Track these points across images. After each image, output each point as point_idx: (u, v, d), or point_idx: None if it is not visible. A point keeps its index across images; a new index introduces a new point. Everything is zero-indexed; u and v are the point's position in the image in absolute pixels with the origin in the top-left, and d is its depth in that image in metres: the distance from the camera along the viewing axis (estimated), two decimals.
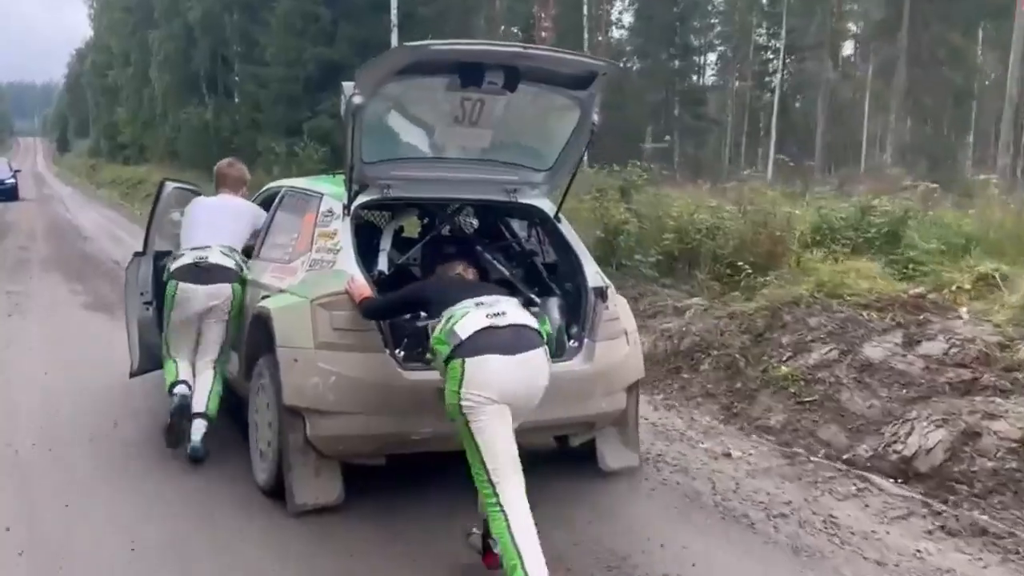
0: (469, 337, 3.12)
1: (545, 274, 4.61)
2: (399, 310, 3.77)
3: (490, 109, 4.01)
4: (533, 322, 3.33)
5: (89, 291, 10.41)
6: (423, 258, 5.06)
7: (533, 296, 4.46)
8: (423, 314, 3.67)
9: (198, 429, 4.55)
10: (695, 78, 46.60)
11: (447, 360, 3.14)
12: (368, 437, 3.78)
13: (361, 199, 4.14)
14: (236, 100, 30.72)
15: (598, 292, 4.24)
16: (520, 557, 2.98)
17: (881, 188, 11.39)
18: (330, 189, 4.34)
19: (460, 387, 3.08)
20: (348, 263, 3.91)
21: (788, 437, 5.11)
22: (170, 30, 33.58)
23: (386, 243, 4.61)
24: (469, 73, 3.76)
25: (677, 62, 42.32)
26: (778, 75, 39.75)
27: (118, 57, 45.09)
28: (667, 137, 35.56)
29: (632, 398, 4.42)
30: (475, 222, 5.43)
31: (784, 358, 5.79)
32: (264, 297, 4.32)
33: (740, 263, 7.73)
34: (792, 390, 5.46)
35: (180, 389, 4.68)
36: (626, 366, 4.30)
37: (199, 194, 5.31)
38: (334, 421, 3.74)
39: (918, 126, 34.97)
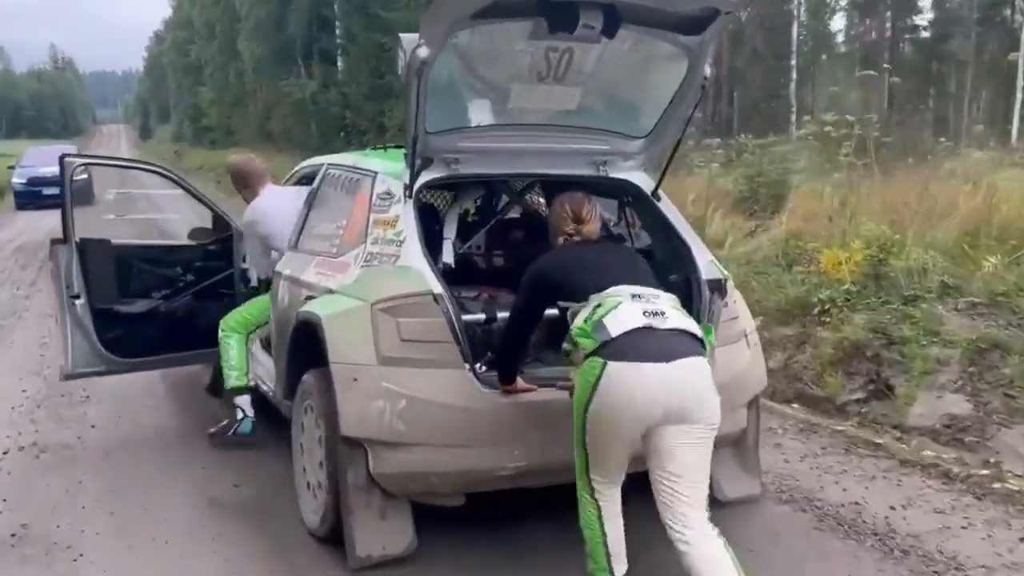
0: (621, 336, 2.54)
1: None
2: (534, 317, 3.01)
3: (580, 62, 3.24)
4: (697, 328, 2.69)
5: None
6: (488, 247, 4.34)
7: None
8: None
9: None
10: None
11: (588, 355, 2.58)
12: (446, 474, 3.05)
13: (424, 177, 3.39)
14: (339, 68, 27.36)
15: (715, 286, 3.47)
16: (607, 551, 2.71)
17: None
18: (385, 166, 3.58)
19: (593, 392, 2.55)
20: (415, 257, 3.16)
21: None
22: None
23: (450, 230, 3.87)
24: (560, 15, 2.99)
25: None
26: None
27: (200, 30, 42.09)
28: None
29: (752, 414, 3.67)
30: (542, 201, 4.69)
31: None
32: (308, 299, 3.59)
33: None
34: None
35: (244, 403, 4.39)
36: (748, 376, 3.55)
37: (115, 166, 5.06)
38: (404, 455, 3.01)
39: None
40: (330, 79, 26.84)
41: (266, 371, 4.46)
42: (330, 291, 3.44)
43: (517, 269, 4.35)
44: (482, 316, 3.44)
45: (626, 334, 2.54)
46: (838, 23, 30.99)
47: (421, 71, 2.96)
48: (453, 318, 3.04)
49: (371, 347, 3.02)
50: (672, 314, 2.64)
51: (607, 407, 2.54)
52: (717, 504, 3.61)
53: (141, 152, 53.21)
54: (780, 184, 9.04)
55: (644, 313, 2.59)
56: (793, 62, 25.65)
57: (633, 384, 2.50)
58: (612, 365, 2.51)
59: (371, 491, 3.08)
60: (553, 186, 4.39)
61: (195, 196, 4.89)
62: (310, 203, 4.17)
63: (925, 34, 27.14)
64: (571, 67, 3.25)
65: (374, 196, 3.47)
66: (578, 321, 2.66)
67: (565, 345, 2.72)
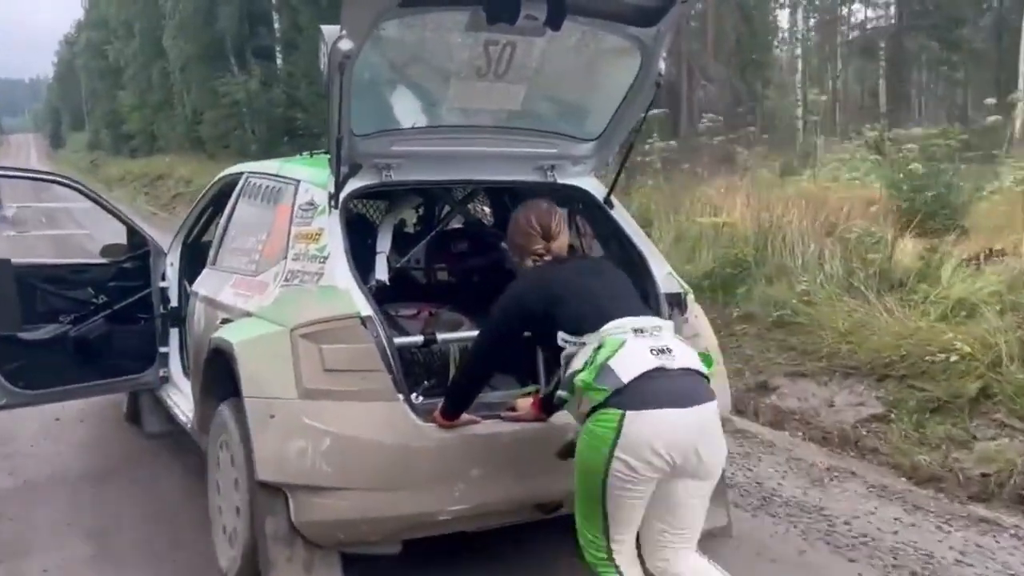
0: (634, 381, 2.21)
1: None
2: (505, 351, 2.66)
3: (522, 57, 2.93)
4: (700, 363, 2.38)
5: None
6: (428, 260, 4.01)
7: None
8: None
9: None
10: None
11: (597, 407, 2.24)
12: (379, 521, 2.69)
13: (352, 185, 3.04)
14: (279, 65, 25.02)
15: (674, 300, 3.19)
16: None
17: None
18: (309, 174, 3.22)
19: (613, 448, 2.19)
20: (340, 275, 2.80)
21: None
22: None
23: (384, 243, 3.52)
24: (499, 4, 2.67)
25: None
26: None
27: (118, 30, 39.16)
28: None
29: None
30: (487, 210, 4.39)
31: None
32: (223, 322, 3.21)
33: None
34: None
35: None
36: None
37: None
38: (330, 501, 2.64)
39: None
40: (271, 77, 24.88)
41: (187, 399, 4.06)
42: (248, 314, 3.07)
43: (460, 283, 4.07)
44: (420, 338, 3.10)
45: (640, 379, 2.22)
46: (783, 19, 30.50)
47: (344, 66, 2.61)
48: (384, 343, 2.69)
49: (290, 378, 2.65)
50: (678, 350, 2.33)
51: (632, 460, 2.19)
52: None
53: (53, 162, 49.35)
54: (949, 191, 7.23)
55: (652, 352, 2.27)
56: (799, 52, 24.21)
57: (658, 431, 2.19)
58: (632, 415, 2.18)
59: (293, 542, 2.71)
60: (497, 193, 4.10)
61: (105, 207, 4.45)
62: (229, 214, 3.79)
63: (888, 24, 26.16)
64: (513, 63, 2.93)
65: (296, 207, 3.11)
66: (576, 365, 2.34)
67: (561, 393, 2.42)
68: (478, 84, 2.99)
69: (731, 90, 15.19)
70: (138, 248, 4.53)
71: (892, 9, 26.72)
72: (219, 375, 3.10)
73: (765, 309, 6.03)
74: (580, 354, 2.36)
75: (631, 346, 2.28)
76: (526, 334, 2.76)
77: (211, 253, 3.84)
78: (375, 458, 2.63)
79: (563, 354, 2.44)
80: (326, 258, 2.85)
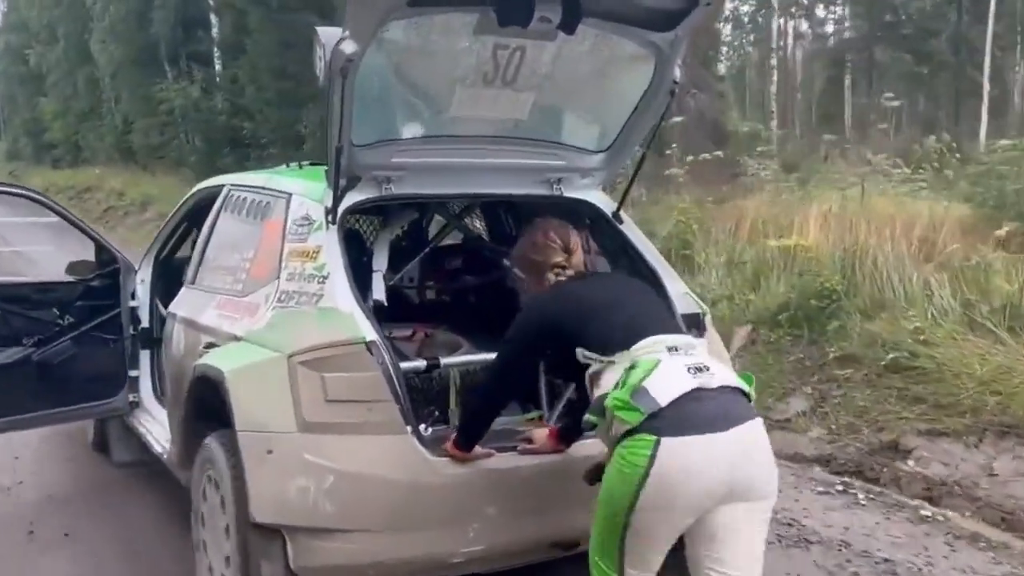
0: (672, 404, 2.03)
1: None
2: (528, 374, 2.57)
3: (532, 63, 2.76)
4: (739, 380, 2.21)
5: None
6: (421, 277, 3.81)
7: None
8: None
9: None
10: None
11: (629, 431, 2.04)
12: (387, 565, 2.46)
13: (351, 199, 2.82)
14: (217, 71, 23.23)
15: (692, 321, 3.02)
16: None
17: None
18: (302, 187, 3.00)
19: (645, 478, 1.99)
20: (342, 296, 2.58)
21: None
22: None
23: (381, 261, 3.30)
24: (511, 5, 2.49)
25: None
26: None
27: (40, 34, 36.39)
28: None
29: None
30: (480, 225, 4.19)
31: None
32: (208, 347, 2.97)
33: None
34: None
35: None
36: None
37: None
38: (334, 544, 2.42)
39: None
40: (210, 83, 23.18)
41: (161, 427, 3.79)
42: (236, 338, 2.83)
43: (455, 302, 3.87)
44: (422, 363, 2.89)
45: (676, 401, 2.04)
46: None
47: (346, 70, 2.42)
48: (391, 371, 2.48)
49: (289, 410, 2.43)
50: (715, 367, 2.16)
51: (664, 494, 2.00)
52: None
53: None
54: None
55: (689, 370, 2.09)
56: (774, 62, 23.57)
57: (697, 461, 2.00)
58: (668, 442, 1.98)
59: None
60: (495, 207, 3.92)
61: (71, 222, 4.16)
62: (210, 229, 3.54)
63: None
64: (522, 69, 2.76)
65: (289, 222, 2.88)
66: (605, 386, 2.15)
67: (590, 416, 2.19)
68: (485, 91, 2.81)
69: (720, 99, 15.20)
70: (107, 265, 4.24)
71: (847, 23, 27.02)
72: (205, 405, 2.86)
73: (871, 350, 5.09)
74: (608, 374, 2.18)
75: (667, 365, 2.11)
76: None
77: (189, 271, 3.59)
78: (383, 496, 2.41)
79: (588, 372, 2.25)
80: (326, 277, 2.62)
